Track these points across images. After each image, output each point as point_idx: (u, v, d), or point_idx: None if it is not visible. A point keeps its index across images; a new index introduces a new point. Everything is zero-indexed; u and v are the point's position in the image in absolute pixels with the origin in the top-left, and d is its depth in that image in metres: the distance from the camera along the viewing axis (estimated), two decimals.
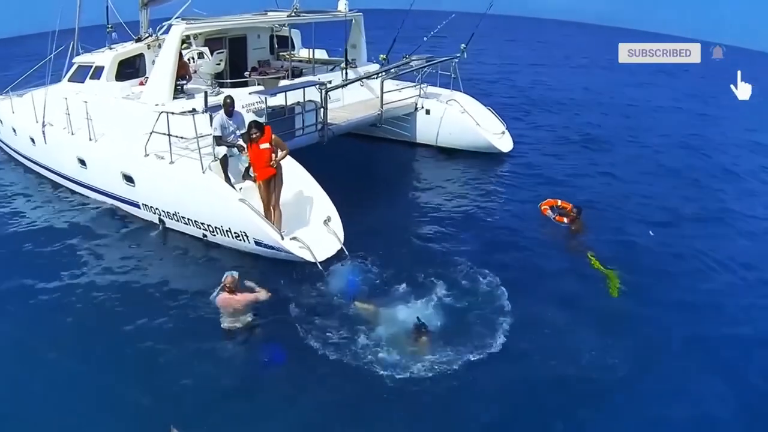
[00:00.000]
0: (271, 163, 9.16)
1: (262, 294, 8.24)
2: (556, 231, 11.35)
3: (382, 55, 15.82)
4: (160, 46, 12.56)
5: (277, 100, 12.15)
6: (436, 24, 15.80)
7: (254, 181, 9.60)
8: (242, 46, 15.02)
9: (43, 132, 12.94)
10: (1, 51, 38.24)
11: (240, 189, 9.84)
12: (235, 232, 9.69)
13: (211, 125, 9.97)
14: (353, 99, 14.56)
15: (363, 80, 14.43)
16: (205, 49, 13.32)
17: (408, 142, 16.03)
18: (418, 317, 7.84)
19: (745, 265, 10.38)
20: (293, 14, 13.79)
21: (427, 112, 15.56)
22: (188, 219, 10.29)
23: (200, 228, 10.20)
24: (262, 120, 10.72)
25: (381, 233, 10.78)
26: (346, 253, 9.43)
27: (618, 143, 18.31)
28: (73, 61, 13.70)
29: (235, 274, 8.21)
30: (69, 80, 13.58)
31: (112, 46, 13.44)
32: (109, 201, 11.64)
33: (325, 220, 9.75)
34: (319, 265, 9.04)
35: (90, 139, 11.40)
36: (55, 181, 13.24)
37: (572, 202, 11.86)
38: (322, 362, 7.25)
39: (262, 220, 9.29)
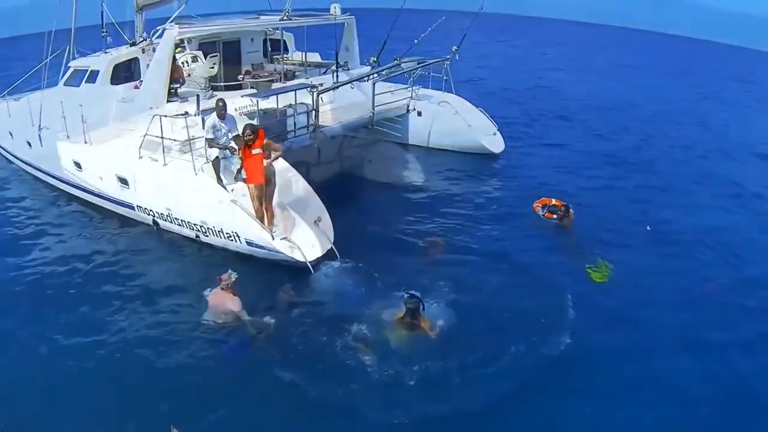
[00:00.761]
0: (265, 164, 9.38)
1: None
2: (546, 228, 11.55)
3: (372, 58, 16.01)
4: (154, 50, 12.78)
5: (270, 103, 12.36)
6: (428, 25, 15.99)
7: (245, 182, 9.81)
8: (236, 50, 15.22)
9: (39, 136, 13.15)
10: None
11: (232, 190, 10.05)
12: (227, 233, 9.90)
13: (203, 128, 10.18)
14: (345, 101, 14.78)
15: (355, 82, 14.64)
16: (199, 53, 13.51)
17: (400, 143, 16.25)
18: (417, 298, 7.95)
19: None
20: (285, 18, 13.99)
21: (419, 113, 15.77)
22: (181, 220, 10.49)
23: (193, 229, 10.40)
24: (254, 122, 10.93)
25: (370, 234, 10.99)
26: (336, 253, 9.64)
27: (610, 141, 18.57)
28: (69, 65, 13.92)
29: (234, 274, 8.42)
30: (65, 84, 13.80)
31: (107, 50, 13.65)
32: (104, 203, 11.85)
33: (315, 221, 9.96)
34: (309, 264, 9.24)
35: (85, 142, 11.61)
36: (52, 184, 13.44)
37: (565, 200, 12.08)
38: (306, 362, 7.43)
39: (253, 220, 9.49)
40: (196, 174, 9.96)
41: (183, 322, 8.37)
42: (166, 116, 10.28)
